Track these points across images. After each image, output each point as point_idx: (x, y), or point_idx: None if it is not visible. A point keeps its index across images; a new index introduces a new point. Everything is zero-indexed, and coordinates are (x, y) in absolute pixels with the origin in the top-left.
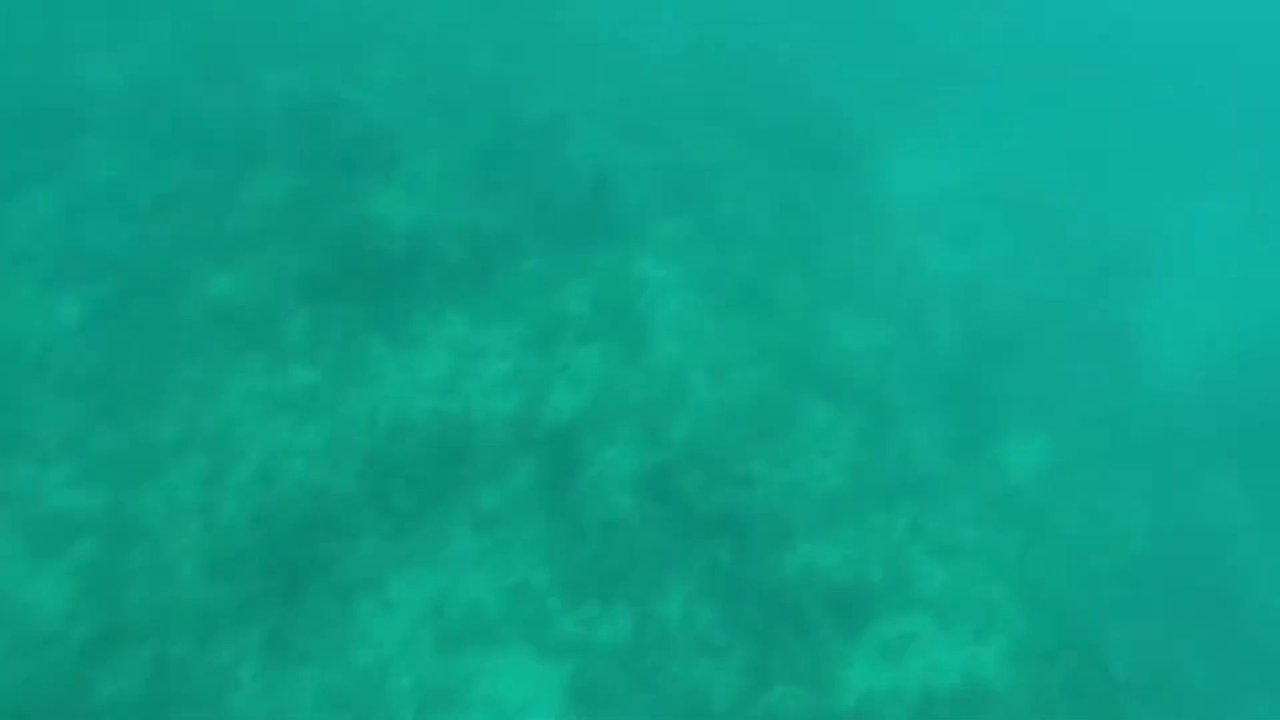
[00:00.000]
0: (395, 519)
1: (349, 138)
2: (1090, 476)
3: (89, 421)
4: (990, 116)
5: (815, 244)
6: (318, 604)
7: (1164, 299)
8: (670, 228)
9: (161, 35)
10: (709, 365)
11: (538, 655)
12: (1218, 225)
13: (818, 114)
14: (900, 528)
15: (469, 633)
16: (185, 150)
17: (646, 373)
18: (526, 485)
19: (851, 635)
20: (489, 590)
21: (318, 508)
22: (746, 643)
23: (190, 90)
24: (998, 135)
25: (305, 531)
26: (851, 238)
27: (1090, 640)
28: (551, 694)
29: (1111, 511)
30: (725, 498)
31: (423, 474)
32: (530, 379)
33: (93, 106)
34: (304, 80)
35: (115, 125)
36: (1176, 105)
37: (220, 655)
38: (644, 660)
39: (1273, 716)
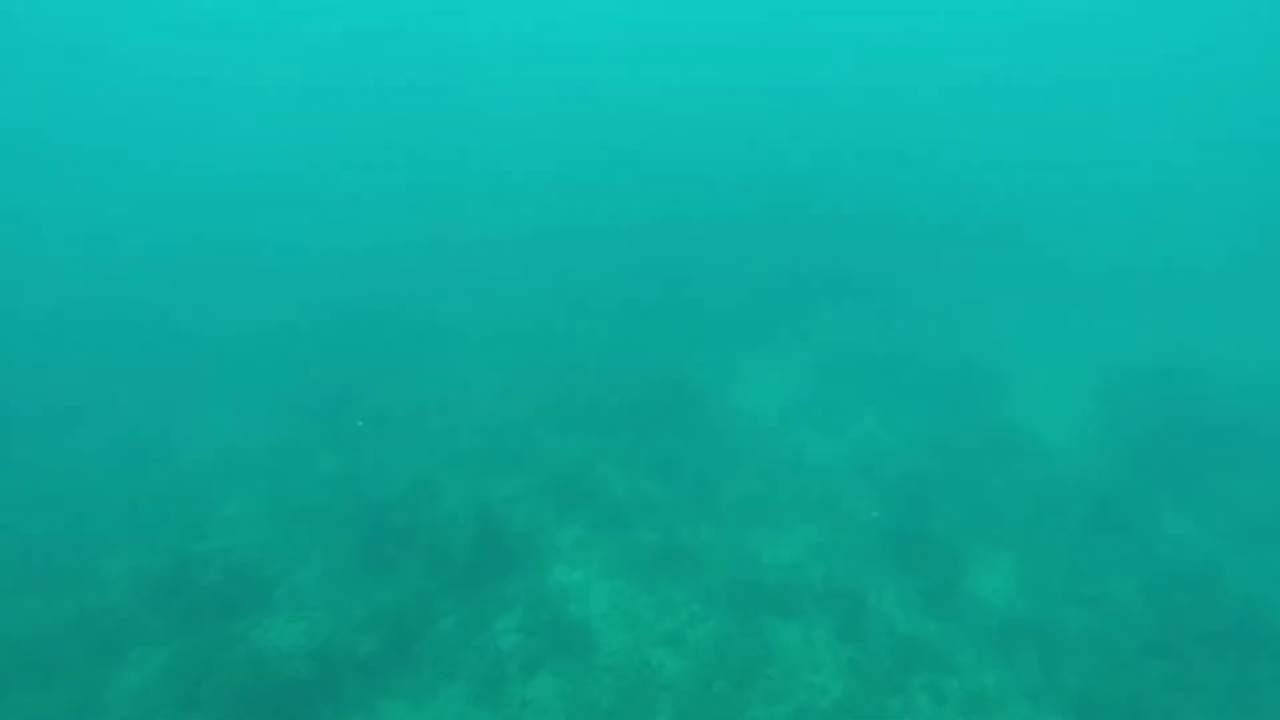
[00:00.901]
0: None
1: (213, 586)
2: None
3: None
4: (792, 323)
5: (707, 488)
6: None
7: (1026, 395)
8: (570, 531)
9: None
10: (663, 638)
11: None
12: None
13: (656, 381)
14: (923, 703)
15: None
16: (29, 665)
17: (606, 671)
18: None
19: None
20: None
21: None
22: None
23: (22, 605)
24: (806, 335)
25: None
26: (736, 468)
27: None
28: None
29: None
30: None
31: None
32: None
33: None
34: (146, 553)
35: None
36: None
37: None
38: None
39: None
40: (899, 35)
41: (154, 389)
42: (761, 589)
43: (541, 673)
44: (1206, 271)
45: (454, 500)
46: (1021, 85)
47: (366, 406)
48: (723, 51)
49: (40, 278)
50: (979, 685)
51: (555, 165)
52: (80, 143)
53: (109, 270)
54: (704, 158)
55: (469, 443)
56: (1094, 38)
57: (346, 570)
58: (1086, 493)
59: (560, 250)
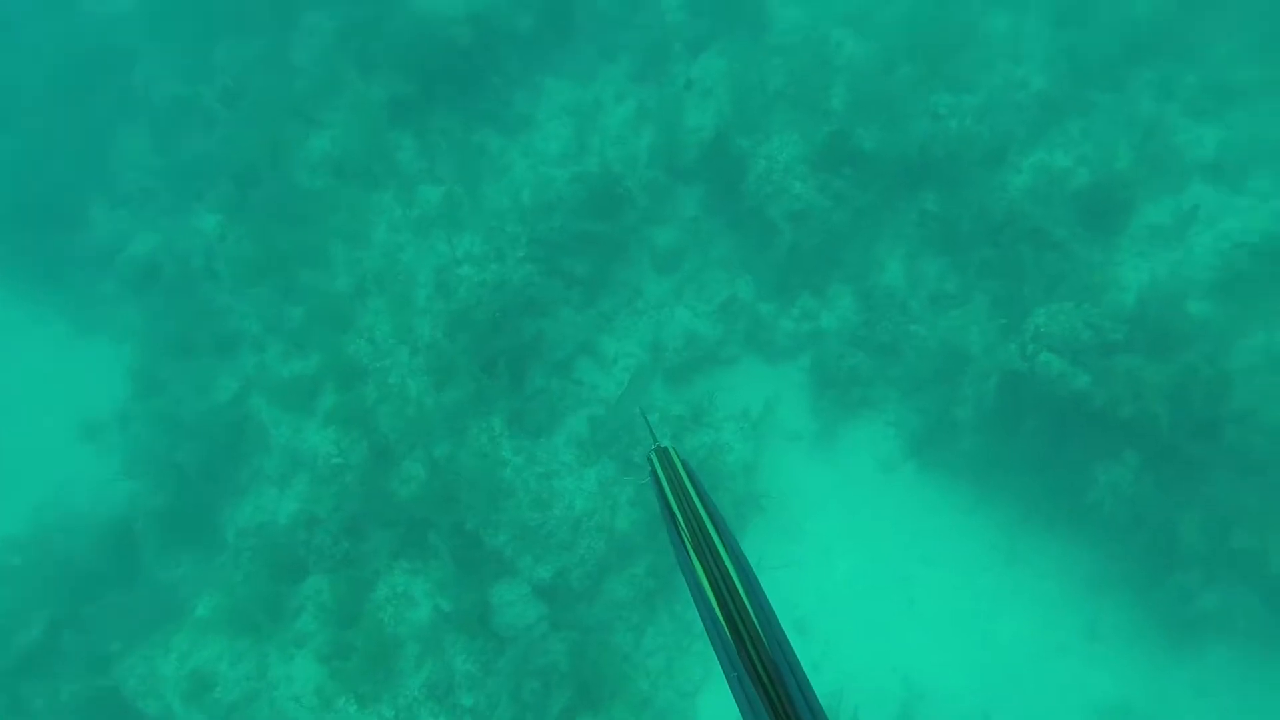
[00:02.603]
0: (581, 287)
1: None
2: None
3: (276, 303)
4: None
5: None
6: (542, 381)
7: None
8: None
9: None
10: (845, 16)
11: (767, 360)
12: None
13: None
14: (1144, 100)
15: (693, 361)
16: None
17: (778, 52)
18: (696, 210)
19: (1110, 235)
20: (699, 318)
21: (504, 300)
22: (987, 281)
23: None
24: None
25: (502, 324)
26: None
27: None
28: (794, 389)
29: None
30: (913, 144)
31: (589, 236)
32: (657, 109)
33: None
34: None
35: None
36: None
37: (477, 444)
38: (879, 332)
39: None
40: None
41: None
42: None
43: (708, 51)
44: None
45: None
46: None
47: None
48: None
49: None
50: (1221, 80)
51: None
52: None
53: None
54: None
55: None
56: None
57: None
58: None
59: None
